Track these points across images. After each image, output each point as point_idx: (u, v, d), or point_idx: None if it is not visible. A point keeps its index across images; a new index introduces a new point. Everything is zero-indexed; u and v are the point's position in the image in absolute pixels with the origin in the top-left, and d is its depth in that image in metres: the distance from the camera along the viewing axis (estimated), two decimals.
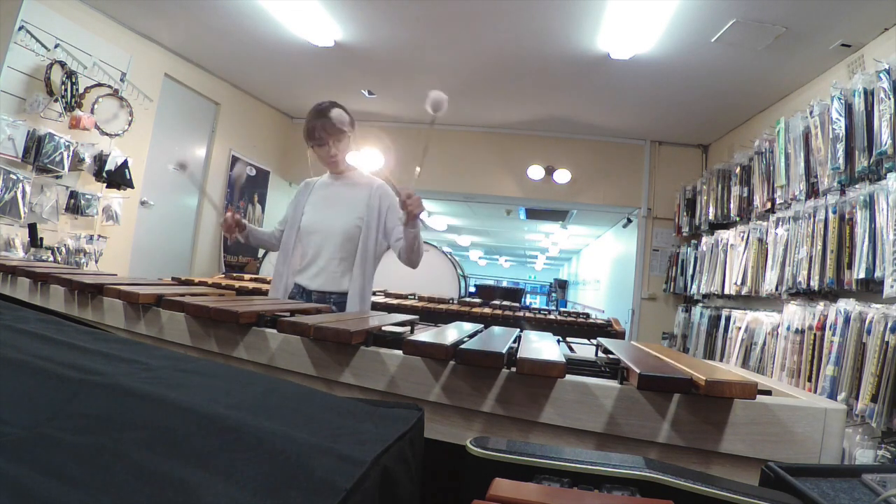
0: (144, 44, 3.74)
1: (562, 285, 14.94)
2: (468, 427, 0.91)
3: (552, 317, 3.38)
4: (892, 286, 2.02)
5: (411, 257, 1.78)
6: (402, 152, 4.53)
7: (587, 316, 3.58)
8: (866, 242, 2.21)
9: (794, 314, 2.66)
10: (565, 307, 10.81)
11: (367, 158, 5.28)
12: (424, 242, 1.94)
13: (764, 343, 2.96)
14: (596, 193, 5.21)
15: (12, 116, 2.82)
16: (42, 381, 0.64)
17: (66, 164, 3.05)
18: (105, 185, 3.38)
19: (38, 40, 2.91)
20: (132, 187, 3.52)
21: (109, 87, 3.36)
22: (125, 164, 3.43)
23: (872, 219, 2.22)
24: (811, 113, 2.72)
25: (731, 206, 3.68)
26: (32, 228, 2.93)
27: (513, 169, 5.29)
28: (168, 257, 4.28)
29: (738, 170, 3.63)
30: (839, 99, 2.48)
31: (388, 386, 0.97)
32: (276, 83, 4.67)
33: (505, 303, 4.06)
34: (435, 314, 3.03)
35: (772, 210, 3.15)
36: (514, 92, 4.32)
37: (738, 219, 3.64)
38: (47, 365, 0.68)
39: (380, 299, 3.26)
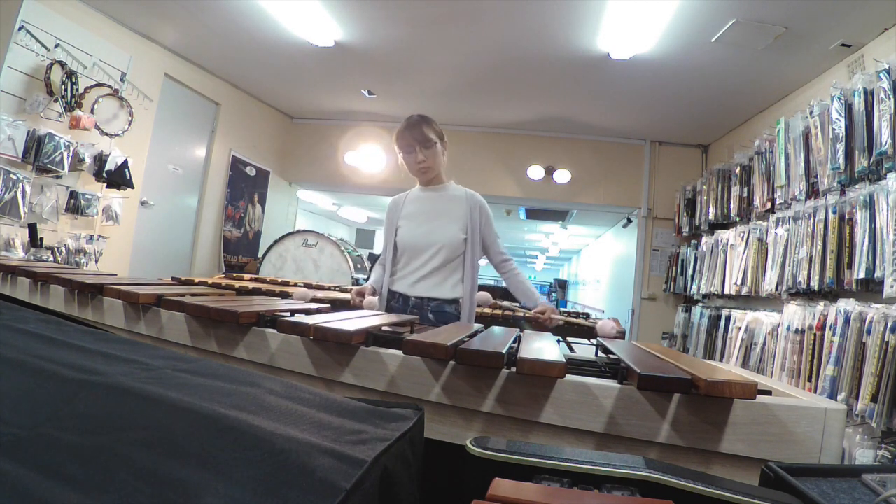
0: (144, 44, 3.74)
1: (562, 285, 14.94)
2: (468, 427, 0.91)
3: None
4: (892, 286, 2.02)
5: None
6: None
7: (587, 316, 3.58)
8: (866, 242, 2.21)
9: (794, 314, 2.66)
10: (565, 307, 10.81)
11: (368, 158, 5.30)
12: None
13: (764, 343, 2.96)
14: (596, 193, 5.21)
15: (12, 116, 2.82)
16: (42, 381, 0.64)
17: (66, 164, 3.05)
18: (105, 185, 3.38)
19: (38, 40, 2.91)
20: (132, 187, 3.52)
21: (109, 87, 3.36)
22: (125, 164, 3.43)
23: (872, 219, 2.22)
24: (811, 113, 2.72)
25: (731, 206, 3.68)
26: (32, 228, 2.93)
27: (513, 169, 5.29)
28: (168, 257, 4.28)
29: (738, 170, 3.63)
30: (839, 99, 2.48)
31: (388, 386, 0.97)
32: (276, 83, 4.67)
33: (505, 303, 4.06)
34: None
35: (772, 210, 3.15)
36: (514, 92, 4.32)
37: (738, 219, 3.64)
38: (47, 365, 0.68)
39: None
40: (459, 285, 1.90)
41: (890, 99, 2.18)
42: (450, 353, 0.92)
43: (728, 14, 2.71)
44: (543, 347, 1.03)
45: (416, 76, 4.13)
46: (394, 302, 1.91)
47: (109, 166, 3.35)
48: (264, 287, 3.17)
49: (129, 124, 3.45)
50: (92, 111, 3.22)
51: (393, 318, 1.42)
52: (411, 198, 2.01)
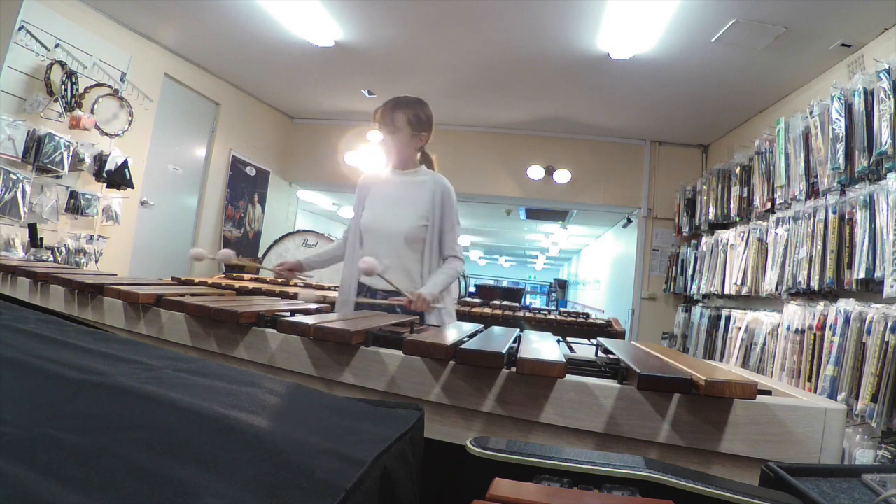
0: (144, 44, 3.74)
1: (562, 285, 14.94)
2: (468, 427, 0.91)
3: (552, 317, 3.38)
4: (892, 286, 2.02)
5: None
6: None
7: (587, 316, 3.58)
8: (866, 242, 2.21)
9: (794, 314, 2.66)
10: (565, 307, 10.82)
11: (366, 156, 5.29)
12: None
13: (764, 343, 2.96)
14: (596, 193, 5.21)
15: (12, 116, 2.82)
16: (42, 381, 0.64)
17: (66, 164, 3.05)
18: (105, 185, 3.38)
19: (38, 40, 2.91)
20: (132, 187, 3.52)
21: (109, 87, 3.36)
22: (125, 164, 3.43)
23: (872, 219, 2.22)
24: (811, 113, 2.72)
25: (731, 206, 3.68)
26: (32, 228, 2.93)
27: (513, 169, 5.29)
28: (168, 257, 4.28)
29: (738, 170, 3.63)
30: (839, 99, 2.48)
31: (388, 386, 0.97)
32: (276, 83, 4.67)
33: (505, 303, 4.06)
34: None
35: (772, 210, 3.15)
36: (514, 92, 4.32)
37: (738, 219, 3.64)
38: (47, 365, 0.68)
39: None
40: (420, 277, 1.81)
41: (890, 99, 2.18)
42: (450, 353, 0.92)
43: (728, 14, 2.71)
44: (543, 347, 1.03)
45: (416, 76, 4.13)
46: (363, 294, 1.83)
47: (109, 166, 3.35)
48: (264, 287, 3.17)
49: (129, 124, 3.45)
50: (92, 111, 3.22)
51: (395, 318, 1.41)
52: (381, 180, 1.97)
